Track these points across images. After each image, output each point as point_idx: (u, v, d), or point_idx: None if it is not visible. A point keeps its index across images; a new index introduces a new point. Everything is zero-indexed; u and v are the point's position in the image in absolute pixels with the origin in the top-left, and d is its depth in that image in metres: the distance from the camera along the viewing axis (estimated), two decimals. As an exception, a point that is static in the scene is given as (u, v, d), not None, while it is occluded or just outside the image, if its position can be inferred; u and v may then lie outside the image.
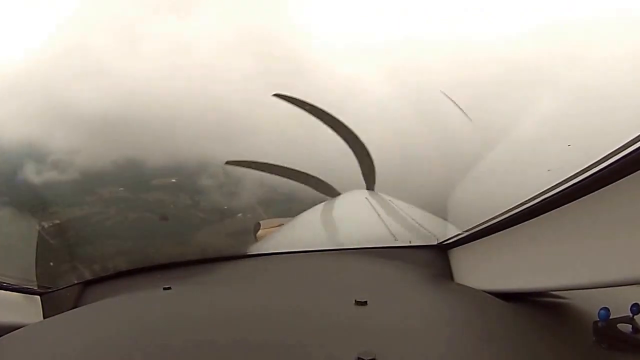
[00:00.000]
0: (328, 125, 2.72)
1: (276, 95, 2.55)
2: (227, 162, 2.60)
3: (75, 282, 1.40)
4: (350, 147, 2.70)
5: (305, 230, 2.10)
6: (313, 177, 2.47)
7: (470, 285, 1.21)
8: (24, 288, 1.31)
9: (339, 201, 2.45)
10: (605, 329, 0.90)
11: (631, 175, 0.71)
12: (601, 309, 0.90)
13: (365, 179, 2.66)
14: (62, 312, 1.17)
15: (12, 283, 1.28)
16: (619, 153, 0.73)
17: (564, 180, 0.84)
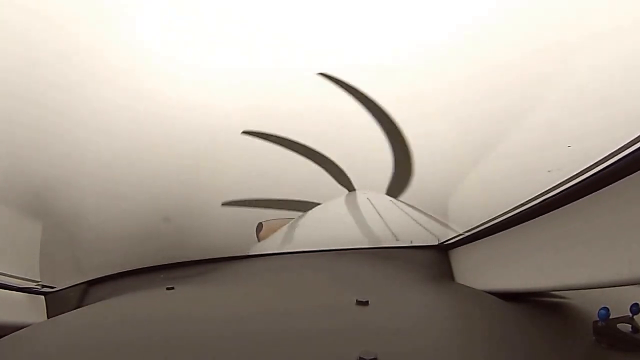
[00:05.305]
0: (297, 152, 2.75)
1: (245, 132, 2.57)
2: (224, 204, 2.62)
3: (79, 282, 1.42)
4: (323, 167, 2.73)
5: (307, 230, 2.11)
6: (309, 202, 2.50)
7: (471, 285, 1.22)
8: (27, 288, 1.32)
9: (341, 201, 2.45)
10: (605, 328, 0.91)
11: (631, 175, 0.72)
12: (601, 309, 0.91)
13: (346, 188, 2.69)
14: (66, 311, 1.17)
15: (15, 283, 1.29)
16: (619, 153, 0.74)
17: (564, 181, 0.85)
